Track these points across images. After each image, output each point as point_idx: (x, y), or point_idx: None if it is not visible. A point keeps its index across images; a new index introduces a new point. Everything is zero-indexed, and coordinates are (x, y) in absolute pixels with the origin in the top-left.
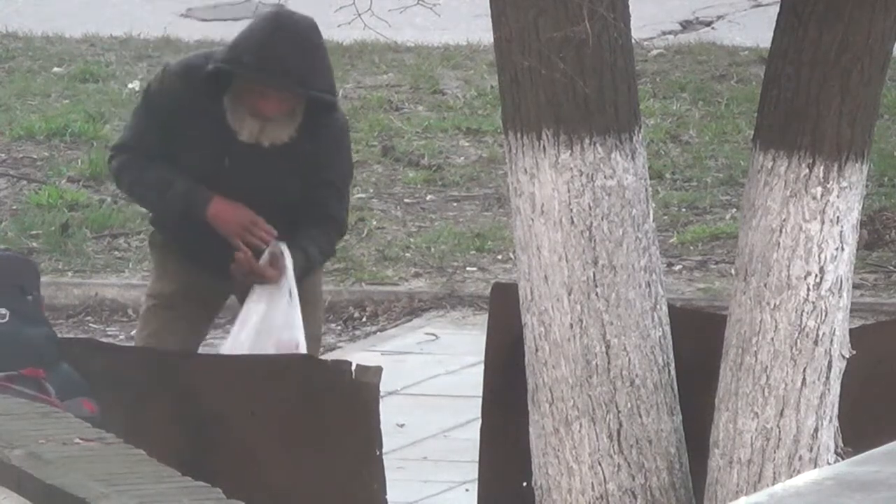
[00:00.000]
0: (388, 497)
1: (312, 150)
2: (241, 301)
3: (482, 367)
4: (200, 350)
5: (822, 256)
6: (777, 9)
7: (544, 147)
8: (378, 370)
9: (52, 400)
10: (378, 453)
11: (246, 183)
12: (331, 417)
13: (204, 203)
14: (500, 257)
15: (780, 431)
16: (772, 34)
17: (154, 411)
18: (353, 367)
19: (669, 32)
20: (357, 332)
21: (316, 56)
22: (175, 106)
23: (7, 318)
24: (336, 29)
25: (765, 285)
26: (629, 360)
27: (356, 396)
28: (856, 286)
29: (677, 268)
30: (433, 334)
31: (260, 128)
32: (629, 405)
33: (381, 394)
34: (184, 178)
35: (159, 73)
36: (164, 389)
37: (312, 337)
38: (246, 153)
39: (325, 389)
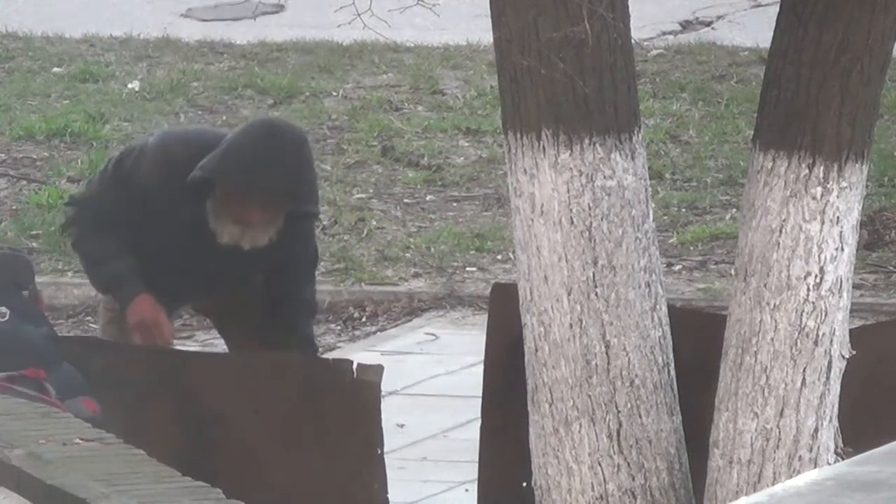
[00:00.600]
0: (389, 497)
1: (287, 247)
2: (201, 312)
3: (482, 367)
4: (204, 350)
5: (822, 257)
6: (777, 9)
7: (544, 147)
8: (379, 369)
9: (53, 400)
10: (379, 452)
11: (214, 272)
12: (332, 417)
13: (129, 297)
14: (499, 257)
15: (779, 432)
16: (772, 34)
17: (155, 411)
18: (355, 367)
19: (669, 32)
20: (357, 333)
21: (304, 170)
22: (149, 194)
23: (7, 317)
24: (336, 29)
25: (765, 285)
26: (629, 360)
27: (357, 395)
28: (856, 286)
29: (677, 268)
30: (433, 334)
31: (241, 232)
32: (629, 405)
33: (382, 394)
34: (124, 262)
35: (136, 153)
36: (165, 389)
37: None
38: (221, 251)
39: (326, 389)
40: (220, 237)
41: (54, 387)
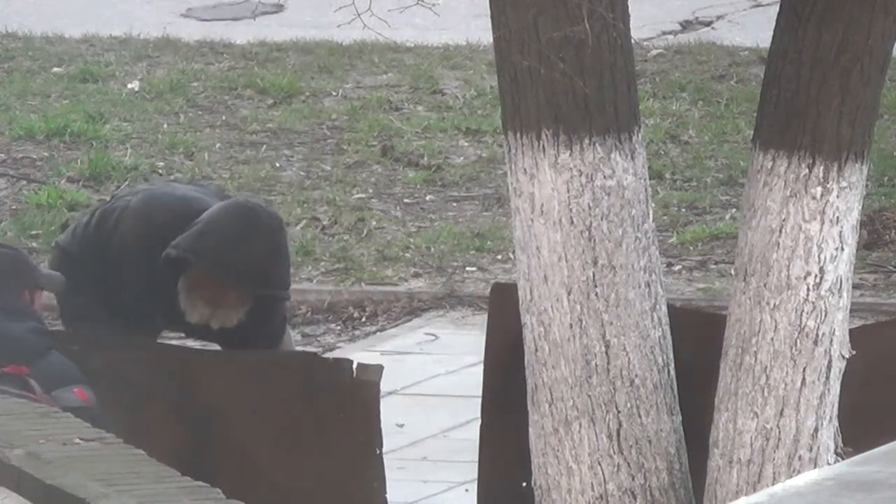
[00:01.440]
0: (388, 497)
1: (254, 325)
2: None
3: (482, 367)
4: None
5: (822, 256)
6: (777, 9)
7: (544, 147)
8: (379, 369)
9: (38, 396)
10: (378, 452)
11: (169, 330)
12: (331, 416)
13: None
14: (499, 257)
15: (779, 431)
16: (772, 34)
17: (152, 409)
18: (354, 366)
19: (669, 32)
20: (357, 332)
21: (279, 257)
22: (125, 257)
23: None
24: (336, 29)
25: (764, 285)
26: (629, 360)
27: (357, 395)
28: (856, 286)
29: (677, 268)
30: (433, 334)
31: (211, 313)
32: (629, 405)
33: (381, 393)
34: (94, 325)
35: (118, 212)
36: (163, 387)
37: None
38: (188, 326)
39: (325, 388)
40: (189, 316)
41: (39, 381)
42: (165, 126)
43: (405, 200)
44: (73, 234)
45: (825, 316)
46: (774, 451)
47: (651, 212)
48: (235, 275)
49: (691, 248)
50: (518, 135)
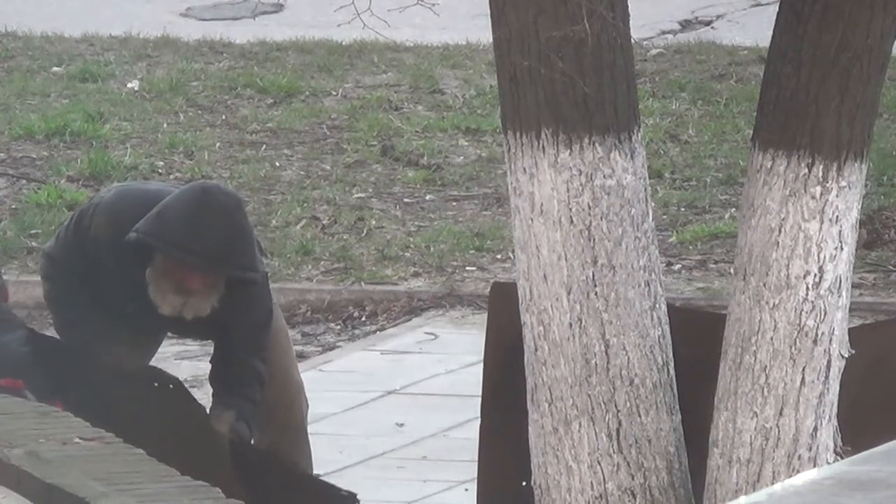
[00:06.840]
0: (388, 496)
1: (229, 313)
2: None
3: (481, 366)
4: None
5: (822, 256)
6: (776, 8)
7: (543, 146)
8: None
9: None
10: None
11: (157, 333)
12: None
13: None
14: (499, 257)
15: (779, 431)
16: (771, 33)
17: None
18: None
19: (669, 32)
20: (356, 332)
21: (241, 235)
22: (100, 252)
23: None
24: (335, 28)
25: (764, 285)
26: (628, 359)
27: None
28: (855, 286)
29: (676, 267)
30: (432, 333)
31: (183, 302)
32: (628, 404)
33: (381, 393)
34: (85, 328)
35: (92, 208)
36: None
37: (294, 389)
38: (163, 319)
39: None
40: (161, 308)
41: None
42: (165, 125)
43: (405, 200)
44: (56, 240)
45: (824, 315)
46: (774, 451)
47: (651, 211)
48: (193, 253)
49: (691, 247)
50: (518, 134)
